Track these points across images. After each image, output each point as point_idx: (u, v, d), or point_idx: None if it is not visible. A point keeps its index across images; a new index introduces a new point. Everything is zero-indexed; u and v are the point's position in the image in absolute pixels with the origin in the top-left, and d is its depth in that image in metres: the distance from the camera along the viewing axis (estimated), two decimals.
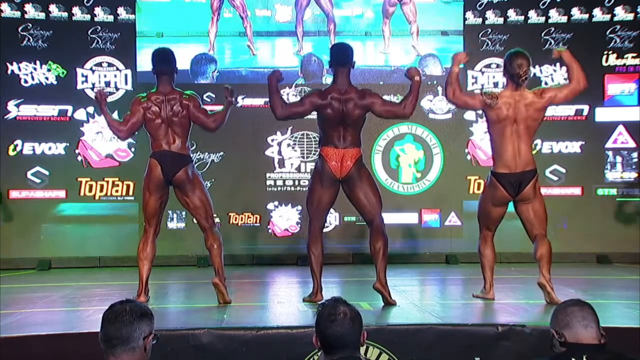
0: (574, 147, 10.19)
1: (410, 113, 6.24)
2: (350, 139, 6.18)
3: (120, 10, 9.91)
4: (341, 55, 6.30)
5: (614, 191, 10.16)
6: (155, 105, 6.27)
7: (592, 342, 3.12)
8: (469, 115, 9.97)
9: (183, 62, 9.19)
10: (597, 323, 3.16)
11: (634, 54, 10.12)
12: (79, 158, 9.85)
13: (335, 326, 3.01)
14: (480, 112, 7.39)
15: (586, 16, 10.16)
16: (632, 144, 10.14)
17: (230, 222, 9.97)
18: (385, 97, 6.40)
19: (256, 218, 10.06)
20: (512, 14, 10.16)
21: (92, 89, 9.59)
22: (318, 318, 3.08)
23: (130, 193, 9.84)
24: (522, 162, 6.20)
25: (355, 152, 6.19)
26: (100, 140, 9.87)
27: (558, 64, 9.81)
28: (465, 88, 9.85)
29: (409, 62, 9.82)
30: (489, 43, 10.17)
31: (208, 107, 6.63)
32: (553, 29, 10.14)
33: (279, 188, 10.09)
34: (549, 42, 10.12)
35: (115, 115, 9.81)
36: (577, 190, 10.17)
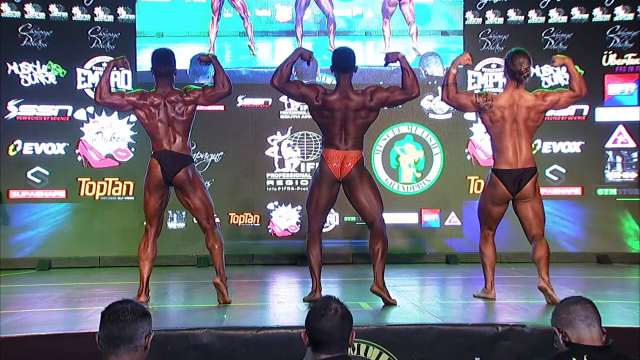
0: (574, 147, 10.18)
1: (419, 92, 6.29)
2: (352, 142, 6.17)
3: (120, 10, 9.91)
4: (342, 61, 6.27)
5: (614, 191, 10.15)
6: (153, 107, 6.25)
7: (595, 340, 3.10)
8: (469, 115, 9.95)
9: (183, 62, 9.20)
10: (599, 322, 3.15)
11: (634, 54, 10.11)
12: (79, 158, 9.84)
13: (324, 321, 3.04)
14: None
15: (586, 16, 10.15)
16: (632, 144, 10.13)
17: (230, 222, 9.96)
18: (383, 86, 6.35)
19: (256, 218, 10.05)
20: (512, 14, 10.16)
21: (92, 89, 9.58)
22: (309, 313, 3.12)
23: (130, 193, 9.84)
24: (522, 159, 6.22)
25: (356, 154, 6.17)
26: (100, 141, 9.86)
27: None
28: (465, 88, 9.87)
29: (409, 62, 9.79)
30: (489, 43, 10.16)
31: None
32: (553, 29, 10.13)
33: (279, 188, 10.08)
34: (549, 42, 10.12)
35: (114, 115, 9.86)
36: (577, 190, 10.16)
